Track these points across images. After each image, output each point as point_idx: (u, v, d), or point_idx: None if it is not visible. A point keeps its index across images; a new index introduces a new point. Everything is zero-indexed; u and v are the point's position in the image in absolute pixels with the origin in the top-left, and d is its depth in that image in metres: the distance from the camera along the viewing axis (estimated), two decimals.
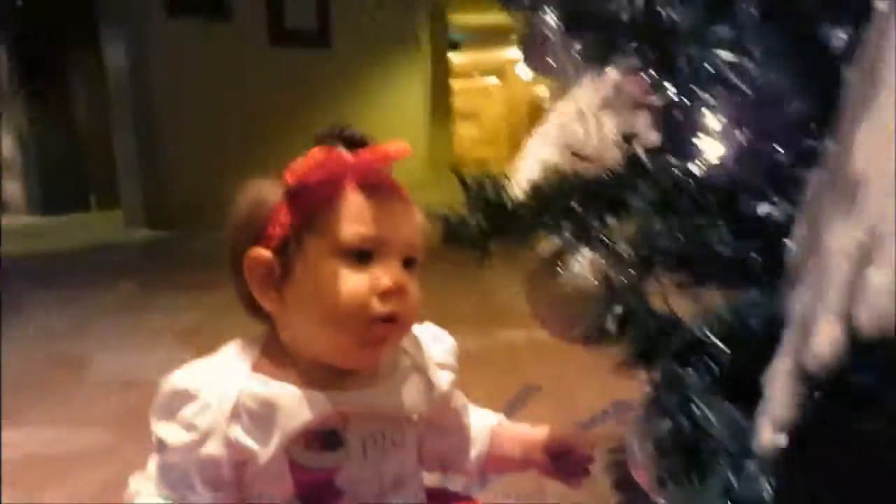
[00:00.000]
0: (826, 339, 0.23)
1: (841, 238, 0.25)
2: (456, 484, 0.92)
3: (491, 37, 14.20)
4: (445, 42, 10.30)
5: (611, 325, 0.47)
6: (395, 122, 6.29)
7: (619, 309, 0.48)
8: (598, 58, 0.49)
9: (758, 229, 0.42)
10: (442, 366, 0.73)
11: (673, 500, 0.36)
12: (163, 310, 2.60)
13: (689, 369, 0.39)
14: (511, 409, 1.46)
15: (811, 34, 0.44)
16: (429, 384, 0.71)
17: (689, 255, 0.49)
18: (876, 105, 0.26)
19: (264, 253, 0.62)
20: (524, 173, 0.62)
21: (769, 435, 0.28)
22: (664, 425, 0.38)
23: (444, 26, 9.99)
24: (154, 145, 5.24)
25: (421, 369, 0.71)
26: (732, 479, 0.33)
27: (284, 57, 5.61)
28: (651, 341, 0.45)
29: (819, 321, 0.23)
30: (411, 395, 0.68)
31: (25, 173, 7.03)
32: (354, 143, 0.63)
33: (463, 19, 11.32)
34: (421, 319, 0.72)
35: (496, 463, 0.79)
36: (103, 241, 4.91)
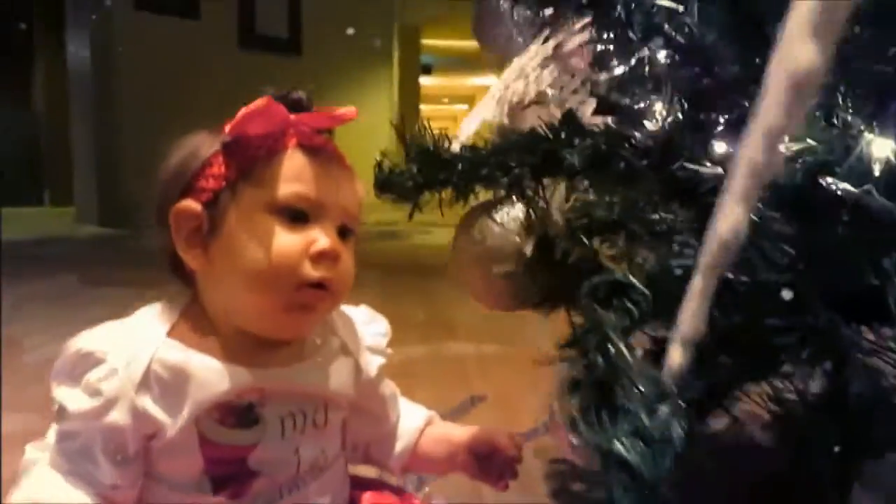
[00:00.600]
0: (730, 224, 0.22)
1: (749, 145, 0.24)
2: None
3: (462, 63, 14.39)
4: (417, 65, 10.38)
5: (535, 267, 0.46)
6: (361, 141, 6.31)
7: (542, 252, 0.47)
8: (544, 19, 0.49)
9: (688, 190, 0.41)
10: (373, 350, 0.71)
11: (584, 440, 0.35)
12: (102, 302, 2.53)
13: (610, 311, 0.38)
14: (455, 417, 1.44)
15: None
16: (357, 368, 0.68)
17: (619, 221, 0.48)
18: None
19: (193, 205, 0.59)
20: (465, 129, 0.61)
21: (678, 355, 0.27)
22: (580, 364, 0.37)
23: (415, 49, 10.08)
24: (112, 142, 5.16)
25: (350, 351, 0.68)
26: (644, 419, 0.32)
27: (253, 61, 5.60)
28: (569, 283, 0.44)
29: (723, 210, 0.23)
30: (337, 375, 0.66)
31: None
32: (300, 108, 0.61)
33: (436, 43, 11.47)
34: (356, 302, 0.70)
35: (420, 462, 0.77)
36: (51, 234, 4.81)
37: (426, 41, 10.62)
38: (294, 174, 0.59)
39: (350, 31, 5.99)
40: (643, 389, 0.32)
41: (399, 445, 0.75)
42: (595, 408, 0.35)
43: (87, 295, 2.72)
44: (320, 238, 0.59)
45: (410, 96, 8.07)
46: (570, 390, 0.38)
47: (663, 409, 0.32)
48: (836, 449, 0.35)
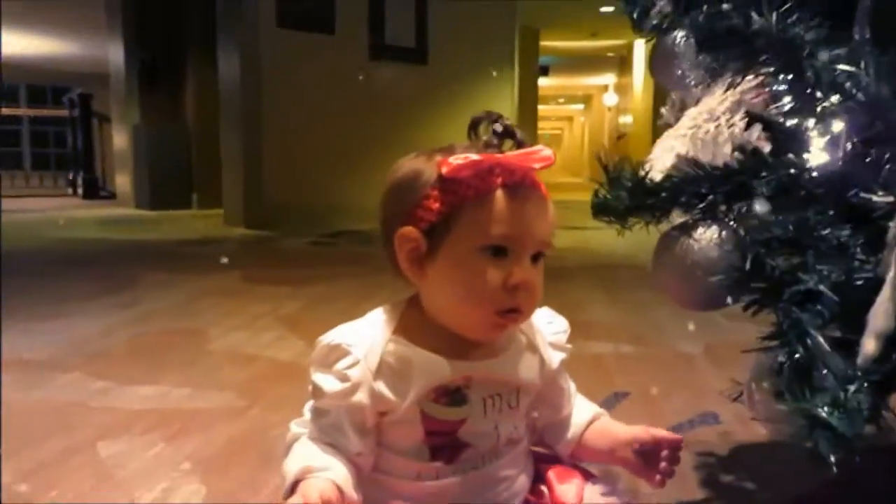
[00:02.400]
0: None
1: None
2: None
3: (577, 63, 14.22)
4: (535, 66, 10.39)
5: (739, 278, 0.57)
6: None
7: (746, 264, 0.57)
8: (731, 69, 0.59)
9: (862, 215, 0.50)
10: (554, 346, 0.80)
11: (791, 409, 0.45)
12: (265, 298, 2.74)
13: (805, 313, 0.49)
14: None
15: None
16: (541, 361, 0.78)
17: (797, 241, 0.58)
18: None
19: (414, 232, 0.68)
20: (658, 162, 0.72)
21: (872, 346, 0.38)
22: (783, 354, 0.48)
23: (534, 50, 10.09)
24: (257, 150, 5.52)
25: (535, 347, 0.78)
26: (840, 394, 0.42)
27: (383, 71, 5.82)
28: (774, 290, 0.54)
29: None
30: (526, 367, 0.76)
31: (135, 168, 7.52)
32: (504, 134, 0.70)
33: (554, 44, 11.42)
34: (540, 304, 0.78)
35: (585, 451, 0.82)
36: (206, 235, 5.22)
37: (544, 43, 10.62)
38: (498, 217, 0.67)
39: (493, 73, 6.08)
40: (836, 372, 0.42)
41: (569, 434, 0.82)
42: (799, 385, 0.46)
43: (251, 292, 2.95)
44: (516, 272, 0.67)
45: (529, 97, 8.11)
46: (776, 373, 0.49)
47: (853, 387, 0.42)
48: None
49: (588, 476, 0.81)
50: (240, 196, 5.58)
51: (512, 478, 0.77)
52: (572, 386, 0.85)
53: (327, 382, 0.70)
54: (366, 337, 0.72)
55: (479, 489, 0.75)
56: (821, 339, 0.46)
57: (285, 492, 0.69)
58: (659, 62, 0.84)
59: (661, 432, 0.76)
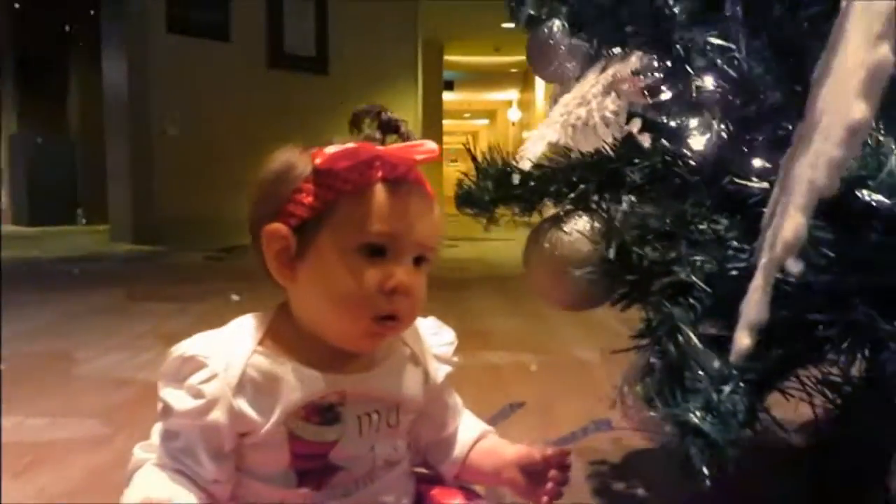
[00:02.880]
0: (792, 228, 0.28)
1: (804, 160, 0.30)
2: None
3: (484, 78, 14.47)
4: (440, 80, 10.47)
5: (609, 271, 0.53)
6: None
7: (615, 254, 0.53)
8: (603, 50, 0.55)
9: (737, 202, 0.47)
10: (440, 358, 0.75)
11: (661, 415, 0.41)
12: (149, 316, 2.60)
13: (676, 307, 0.44)
14: (495, 422, 1.48)
15: (784, 37, 0.50)
16: (425, 375, 0.73)
17: (671, 231, 0.54)
18: (835, 64, 0.32)
19: (283, 229, 0.63)
20: (530, 151, 0.67)
21: (745, 339, 0.33)
22: (654, 353, 0.43)
23: (438, 64, 10.16)
24: (147, 162, 5.28)
25: (419, 360, 0.73)
26: (713, 396, 0.38)
27: (281, 80, 5.70)
28: (644, 283, 0.50)
29: (786, 218, 0.29)
30: (407, 382, 0.71)
31: (12, 181, 7.04)
32: (388, 127, 0.65)
33: (458, 59, 11.57)
34: (424, 313, 0.73)
35: (470, 472, 0.78)
36: (90, 251, 4.93)
37: (448, 57, 10.74)
38: (377, 214, 0.62)
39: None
40: (710, 372, 0.38)
41: (453, 454, 0.77)
42: (669, 388, 0.41)
43: (133, 309, 2.79)
44: (395, 274, 0.62)
45: (434, 112, 8.15)
46: (646, 374, 0.44)
47: (727, 388, 0.38)
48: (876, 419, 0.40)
49: (471, 496, 0.76)
50: (128, 210, 5.31)
51: None
52: (459, 402, 0.81)
53: (178, 399, 0.63)
54: (226, 348, 0.64)
55: None
56: (692, 336, 0.41)
57: None
58: (535, 54, 0.80)
59: (549, 450, 0.72)
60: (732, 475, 0.46)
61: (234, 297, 2.80)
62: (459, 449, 0.77)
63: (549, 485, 0.71)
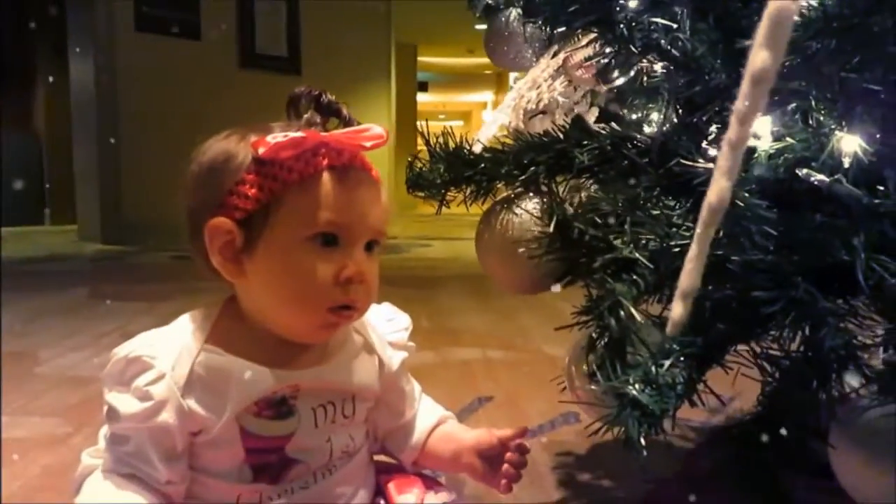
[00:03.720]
0: (716, 192, 0.29)
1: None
2: None
3: (459, 80, 14.50)
4: (414, 81, 10.46)
5: (552, 248, 0.53)
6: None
7: (555, 229, 0.53)
8: (554, 29, 0.55)
9: (683, 184, 0.47)
10: (395, 345, 0.75)
11: (602, 388, 0.41)
12: (115, 315, 2.56)
13: (619, 283, 0.45)
14: (463, 416, 1.49)
15: (729, 17, 0.51)
16: (380, 363, 0.72)
17: (622, 214, 0.55)
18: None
19: (227, 223, 0.61)
20: (483, 134, 0.67)
21: (679, 309, 0.34)
22: (596, 329, 0.44)
23: (412, 65, 10.16)
24: (115, 162, 5.19)
25: (373, 349, 0.72)
26: (653, 369, 0.38)
27: (253, 80, 5.64)
28: (587, 260, 0.50)
29: (711, 183, 0.29)
30: (361, 372, 0.70)
31: None
32: (328, 110, 0.63)
33: (432, 60, 11.58)
34: (379, 300, 0.72)
35: (429, 458, 0.78)
36: (57, 251, 4.85)
37: (422, 59, 10.74)
38: (326, 202, 0.60)
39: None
40: (650, 346, 0.38)
41: (412, 440, 0.77)
42: (610, 362, 0.41)
43: (98, 309, 2.74)
44: (349, 264, 0.61)
45: (408, 113, 8.14)
46: (588, 349, 0.44)
47: (667, 362, 0.38)
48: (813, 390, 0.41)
49: (430, 484, 0.76)
50: (96, 209, 5.22)
51: (348, 495, 0.71)
52: (417, 388, 0.80)
53: (124, 403, 0.61)
54: (172, 347, 0.62)
55: None
56: (633, 311, 0.42)
57: None
58: (494, 43, 0.80)
59: (506, 433, 0.72)
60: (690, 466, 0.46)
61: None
62: (417, 435, 0.77)
63: (505, 467, 0.71)
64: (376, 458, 0.79)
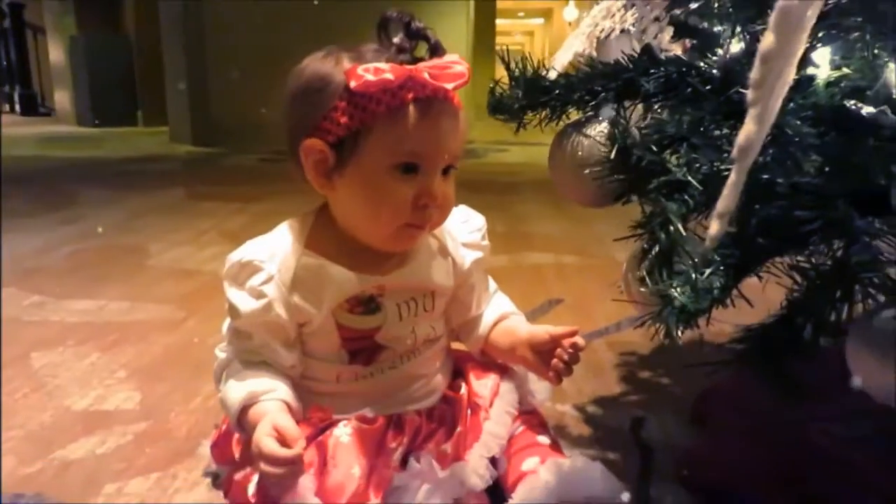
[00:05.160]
0: (744, 133, 0.35)
1: None
2: None
3: None
4: None
5: (616, 169, 0.59)
6: None
7: (616, 156, 0.59)
8: None
9: (742, 112, 0.52)
10: (468, 245, 0.81)
11: (651, 291, 0.48)
12: (211, 214, 2.73)
13: (671, 202, 0.51)
14: (534, 317, 1.57)
15: None
16: (453, 263, 0.80)
17: (684, 136, 0.60)
18: None
19: (320, 144, 0.67)
20: (558, 60, 0.72)
21: (715, 226, 0.40)
22: (648, 242, 0.51)
23: None
24: (202, 65, 5.30)
25: (445, 251, 0.79)
26: (693, 276, 0.45)
27: None
28: (643, 181, 0.57)
29: (744, 123, 0.35)
30: (437, 272, 0.78)
31: (74, 83, 7.17)
32: (417, 36, 0.67)
33: None
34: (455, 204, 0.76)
35: (491, 349, 0.84)
36: (151, 152, 5.09)
37: None
38: (410, 134, 0.65)
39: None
40: (695, 257, 0.45)
41: (478, 332, 0.84)
42: (658, 269, 0.49)
43: (196, 208, 2.91)
44: (428, 190, 0.67)
45: (487, 10, 7.90)
46: (641, 258, 0.51)
47: (708, 270, 0.45)
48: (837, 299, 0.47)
49: (505, 372, 0.84)
50: (186, 113, 5.40)
51: (429, 375, 0.81)
52: (492, 286, 0.87)
53: (243, 301, 0.71)
54: (277, 251, 0.72)
55: (397, 387, 0.78)
56: (681, 227, 0.48)
57: (233, 419, 0.71)
58: None
59: (557, 330, 0.75)
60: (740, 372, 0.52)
61: None
62: (482, 328, 0.84)
63: (554, 361, 0.74)
64: (462, 347, 0.87)
